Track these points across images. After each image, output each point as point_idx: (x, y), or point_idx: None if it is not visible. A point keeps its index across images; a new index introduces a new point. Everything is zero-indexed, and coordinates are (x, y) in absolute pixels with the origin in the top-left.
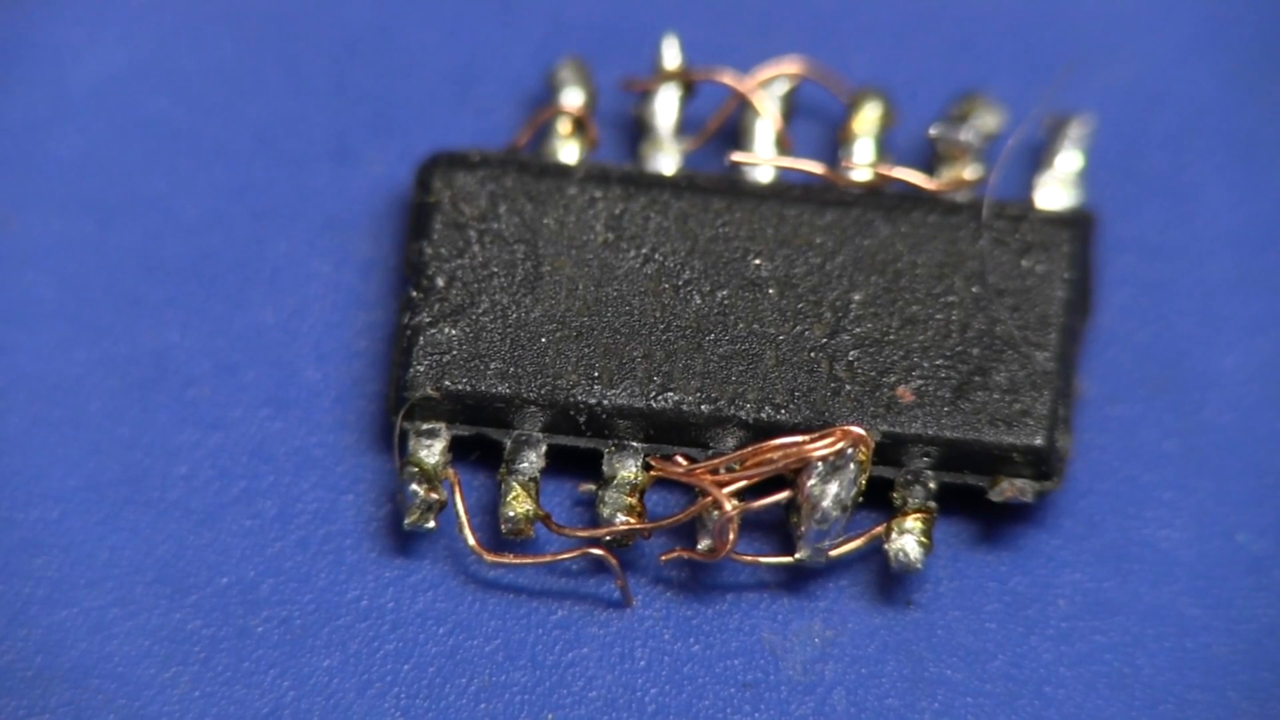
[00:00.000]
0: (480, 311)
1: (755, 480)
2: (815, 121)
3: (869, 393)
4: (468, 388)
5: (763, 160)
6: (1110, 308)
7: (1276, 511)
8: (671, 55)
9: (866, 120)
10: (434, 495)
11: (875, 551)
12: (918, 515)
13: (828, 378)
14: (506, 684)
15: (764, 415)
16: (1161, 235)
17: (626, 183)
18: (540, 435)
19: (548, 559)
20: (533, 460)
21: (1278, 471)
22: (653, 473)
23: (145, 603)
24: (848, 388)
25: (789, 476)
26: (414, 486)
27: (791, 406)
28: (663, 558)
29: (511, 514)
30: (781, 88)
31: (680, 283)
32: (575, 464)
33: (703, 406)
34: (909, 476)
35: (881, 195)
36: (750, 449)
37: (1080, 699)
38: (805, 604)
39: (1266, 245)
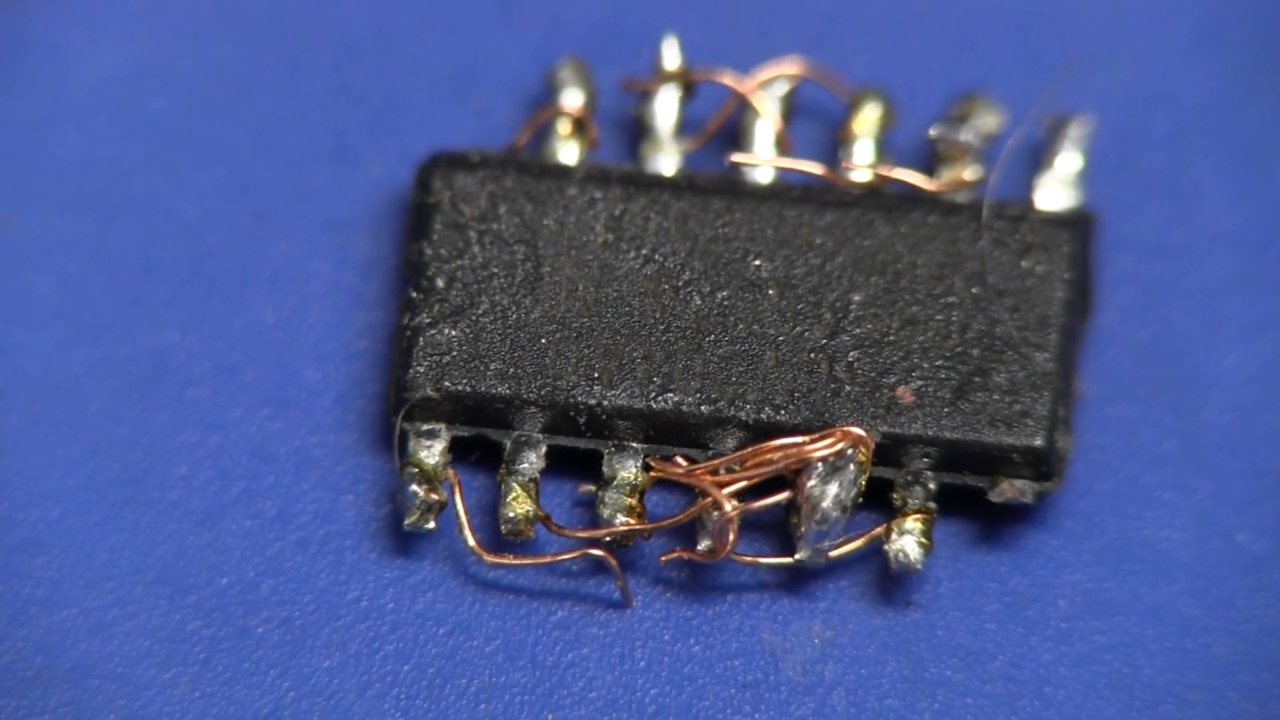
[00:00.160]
0: (480, 312)
1: (755, 481)
2: (815, 122)
3: (869, 393)
4: (468, 388)
5: (763, 161)
6: (1110, 308)
7: (1276, 511)
8: (671, 55)
9: (866, 120)
10: (434, 496)
11: (875, 552)
12: (918, 516)
13: (828, 378)
14: (506, 684)
15: (764, 416)
16: (1161, 235)
17: (626, 183)
18: (540, 436)
19: (548, 560)
20: (533, 461)
21: (1278, 471)
22: (653, 473)
23: (145, 603)
24: (848, 388)
25: (789, 477)
26: (414, 487)
27: (791, 407)
28: (663, 558)
29: (511, 515)
30: (781, 88)
31: (680, 283)
32: (575, 465)
33: (703, 407)
34: (909, 477)
35: (881, 196)
36: (750, 450)
37: (1080, 699)
38: (805, 605)
39: (1266, 245)
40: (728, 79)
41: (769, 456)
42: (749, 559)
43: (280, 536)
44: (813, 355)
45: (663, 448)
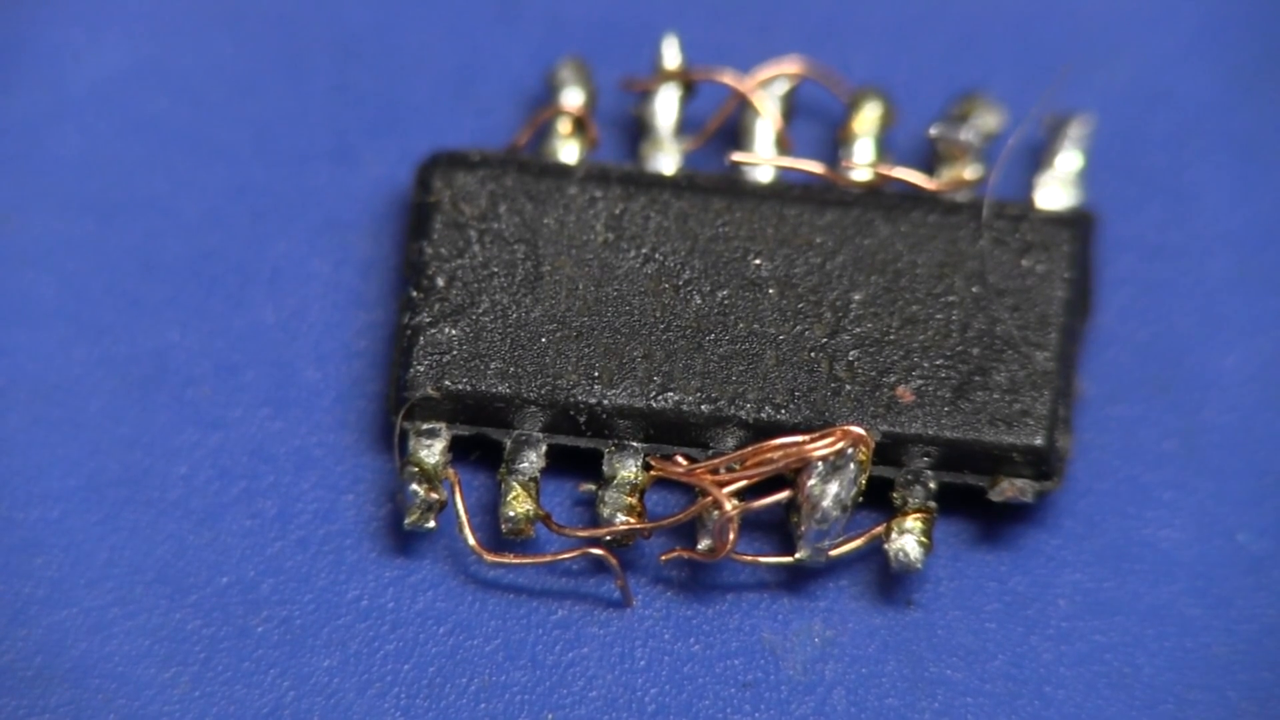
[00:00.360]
0: (480, 311)
1: (755, 480)
2: (815, 121)
3: (869, 393)
4: (468, 388)
5: (763, 160)
6: (1110, 308)
7: (1276, 511)
8: (671, 55)
9: (866, 120)
10: (434, 495)
11: (875, 551)
12: (918, 515)
13: (828, 378)
14: (506, 684)
15: (764, 415)
16: (1161, 235)
17: (626, 183)
18: (540, 435)
19: (548, 559)
20: (533, 460)
21: (1278, 471)
22: (653, 473)
23: (145, 603)
24: (848, 388)
25: (789, 476)
26: (414, 486)
27: (791, 406)
28: (663, 558)
29: (512, 514)
30: (781, 88)
31: (680, 283)
32: (575, 464)
33: (703, 406)
34: (909, 476)
35: (881, 195)
36: (750, 449)
37: (1080, 699)
38: (805, 604)
39: (1266, 245)
40: (728, 78)
41: (769, 455)
42: (749, 558)
43: (280, 536)
44: (813, 354)
45: (663, 447)
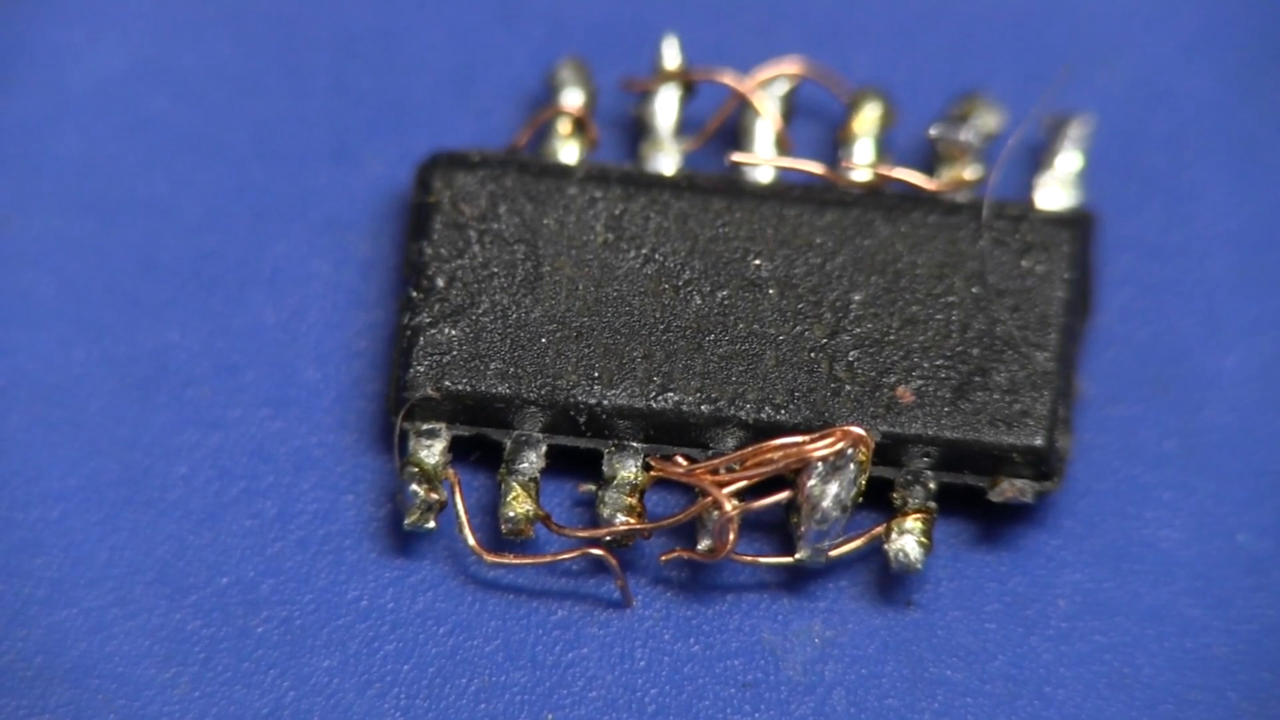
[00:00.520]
0: (480, 312)
1: (755, 480)
2: (815, 121)
3: (869, 393)
4: (468, 388)
5: (763, 160)
6: (1110, 308)
7: (1276, 511)
8: (671, 55)
9: (866, 120)
10: (434, 495)
11: (875, 552)
12: (918, 515)
13: (828, 378)
14: (506, 684)
15: (764, 415)
16: (1161, 235)
17: (626, 183)
18: (540, 435)
19: (548, 559)
20: (533, 460)
21: (1278, 471)
22: (653, 473)
23: (145, 603)
24: (848, 388)
25: (789, 477)
26: (414, 487)
27: (791, 407)
28: (663, 558)
29: (511, 514)
30: (781, 88)
31: (680, 283)
32: (575, 464)
33: (703, 407)
34: (909, 477)
35: (881, 195)
36: (750, 449)
37: (1080, 699)
38: (805, 604)
39: (1266, 245)
40: (728, 79)
41: (769, 456)
42: (749, 559)
43: (280, 536)
44: (813, 355)
45: (663, 447)
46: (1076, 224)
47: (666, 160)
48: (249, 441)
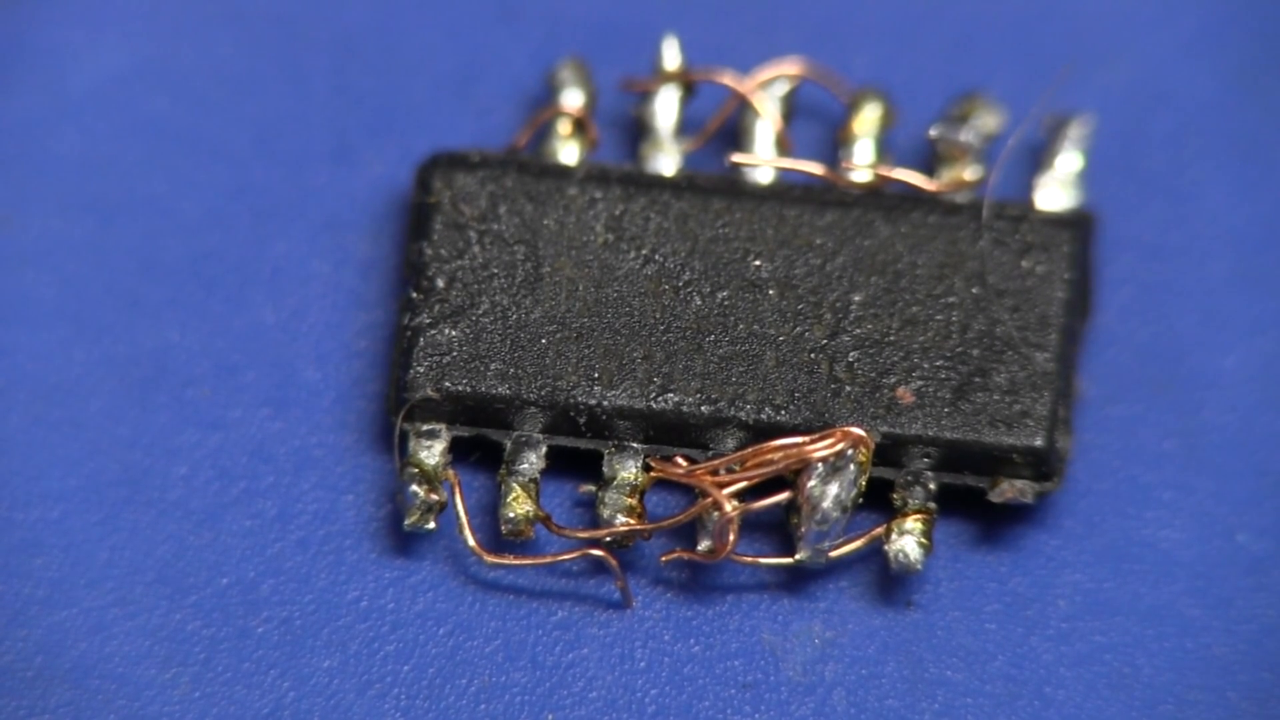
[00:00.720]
0: (480, 312)
1: (755, 481)
2: (815, 122)
3: (869, 394)
4: (468, 389)
5: (763, 161)
6: (1110, 308)
7: (1276, 511)
8: (671, 55)
9: (866, 121)
10: (434, 496)
11: (875, 552)
12: (918, 516)
13: (828, 379)
14: (506, 685)
15: (764, 416)
16: (1161, 235)
17: (626, 183)
18: (540, 436)
19: (548, 560)
20: (533, 461)
21: (1278, 471)
22: (653, 474)
23: (145, 603)
24: (848, 389)
25: (789, 477)
26: (414, 487)
27: (791, 407)
28: (663, 559)
29: (511, 515)
30: (781, 88)
31: (680, 283)
32: (575, 465)
33: (703, 407)
34: (909, 477)
35: (881, 196)
36: (750, 450)
37: (1080, 699)
38: (805, 605)
39: (1266, 245)
40: (728, 79)
41: (769, 457)
42: (749, 559)
43: (280, 536)
44: (813, 355)
45: (663, 448)
46: (1076, 224)
47: (666, 160)
48: (249, 441)
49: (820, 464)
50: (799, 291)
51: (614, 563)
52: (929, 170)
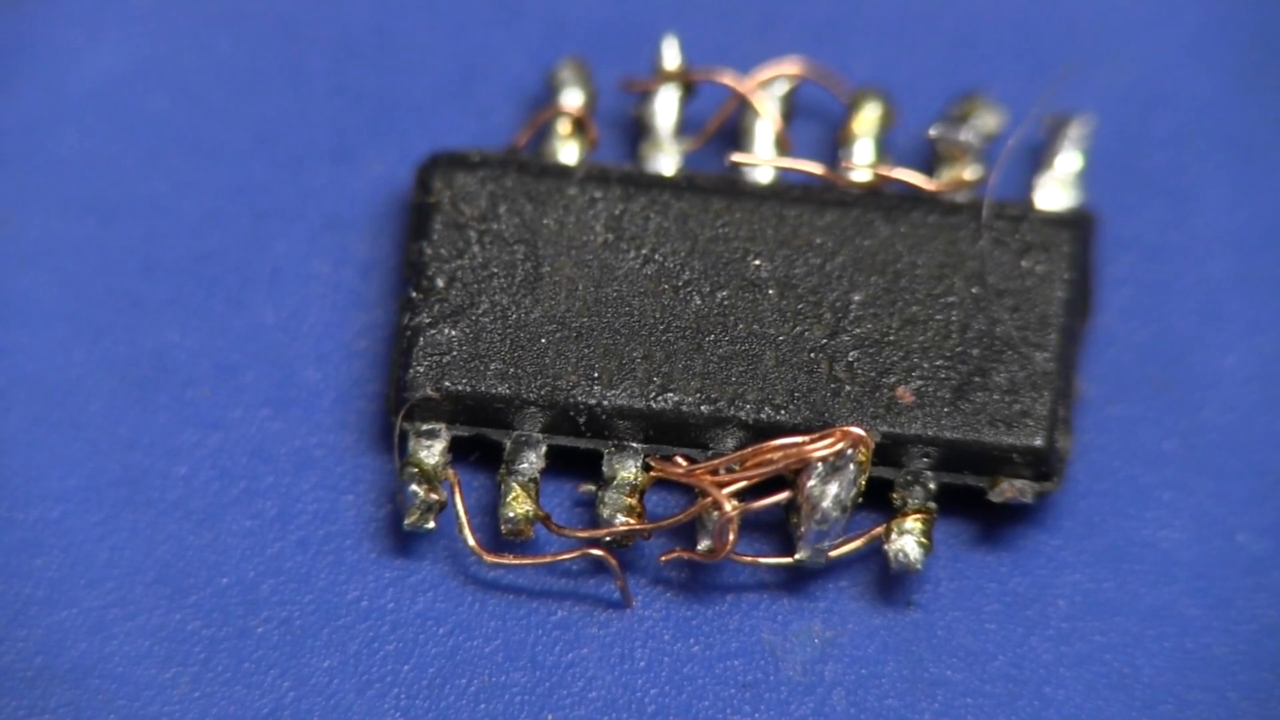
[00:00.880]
0: (480, 312)
1: (755, 481)
2: (815, 122)
3: (869, 393)
4: (468, 388)
5: (763, 161)
6: (1110, 308)
7: (1276, 511)
8: (671, 55)
9: (866, 120)
10: (434, 496)
11: (875, 552)
12: (917, 516)
13: (827, 378)
14: (506, 684)
15: (764, 416)
16: (1161, 235)
17: (626, 183)
18: (540, 436)
19: (548, 559)
20: (532, 461)
21: (1278, 471)
22: (652, 473)
23: (145, 603)
24: (848, 388)
25: (789, 477)
26: (414, 487)
27: (791, 407)
28: (663, 558)
29: (511, 514)
30: (781, 88)
31: (680, 283)
32: (575, 465)
33: (702, 407)
34: (909, 477)
35: (881, 195)
36: (750, 449)
37: (1080, 699)
38: (805, 604)
39: (1266, 245)
40: (728, 79)
41: (769, 456)
42: (749, 559)
43: (280, 536)
44: (813, 355)
45: (663, 447)
46: (1076, 224)
47: (666, 160)
48: (249, 441)
49: (820, 464)
50: (799, 291)
51: (614, 562)
52: (929, 170)
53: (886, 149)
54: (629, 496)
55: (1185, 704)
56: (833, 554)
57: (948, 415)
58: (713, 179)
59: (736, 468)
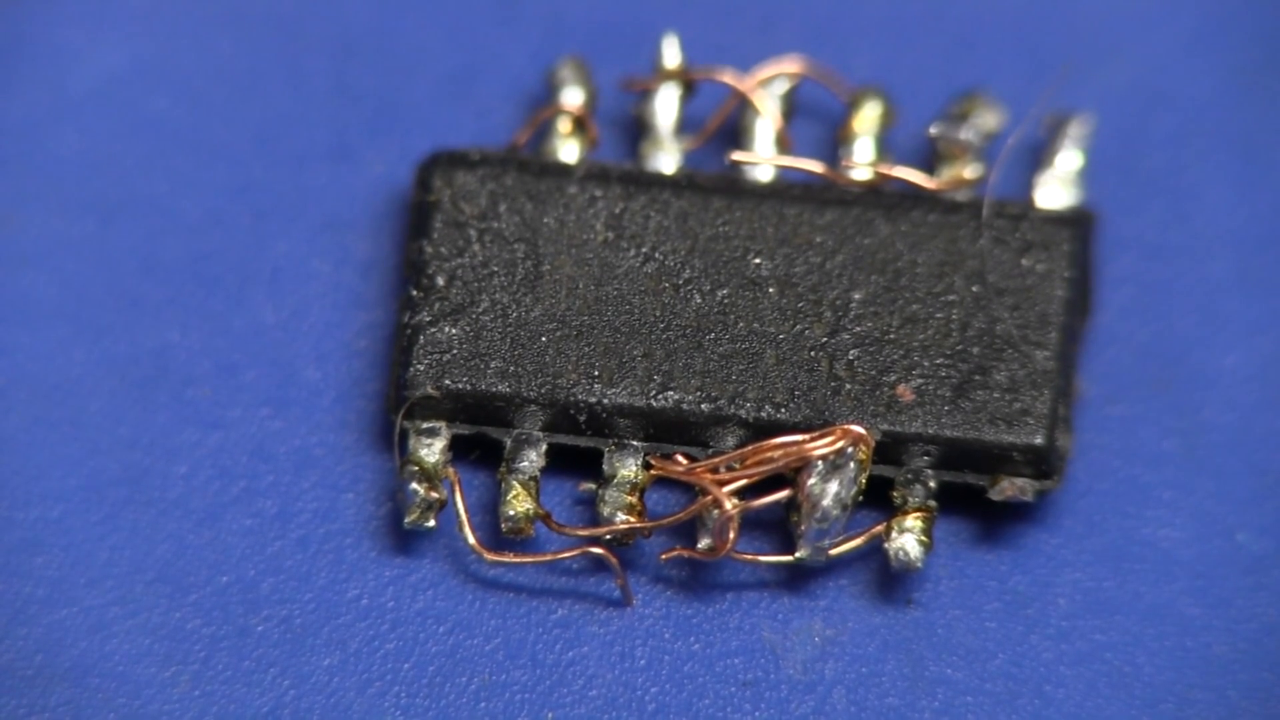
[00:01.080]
0: (480, 310)
1: (755, 479)
2: (815, 121)
3: (869, 392)
4: (468, 387)
5: (763, 159)
6: (1110, 307)
7: (1276, 511)
8: (671, 55)
9: (866, 119)
10: (434, 494)
11: (875, 550)
12: (918, 514)
13: (828, 377)
14: (506, 683)
15: (764, 414)
16: (1161, 235)
17: (626, 182)
18: (540, 434)
19: (548, 558)
20: (533, 459)
21: (1278, 471)
22: (653, 471)
23: (145, 602)
24: (848, 387)
25: (789, 475)
26: (414, 485)
27: (792, 405)
28: (663, 556)
29: (512, 513)
30: (781, 87)
31: (680, 282)
32: (575, 463)
33: (703, 405)
34: (909, 475)
35: (881, 194)
36: (750, 448)
37: (1080, 698)
38: (805, 603)
39: (1266, 245)
40: (728, 78)
41: (769, 454)
42: (749, 557)
43: (280, 535)
44: (813, 353)
45: (663, 446)
46: (1077, 223)
47: (666, 159)
48: (249, 441)
49: (820, 462)
50: (799, 289)
51: (614, 561)
52: (929, 169)
53: (887, 148)
54: (629, 495)
55: (1185, 703)
56: (833, 552)
57: (948, 413)
58: (713, 178)
59: (737, 466)
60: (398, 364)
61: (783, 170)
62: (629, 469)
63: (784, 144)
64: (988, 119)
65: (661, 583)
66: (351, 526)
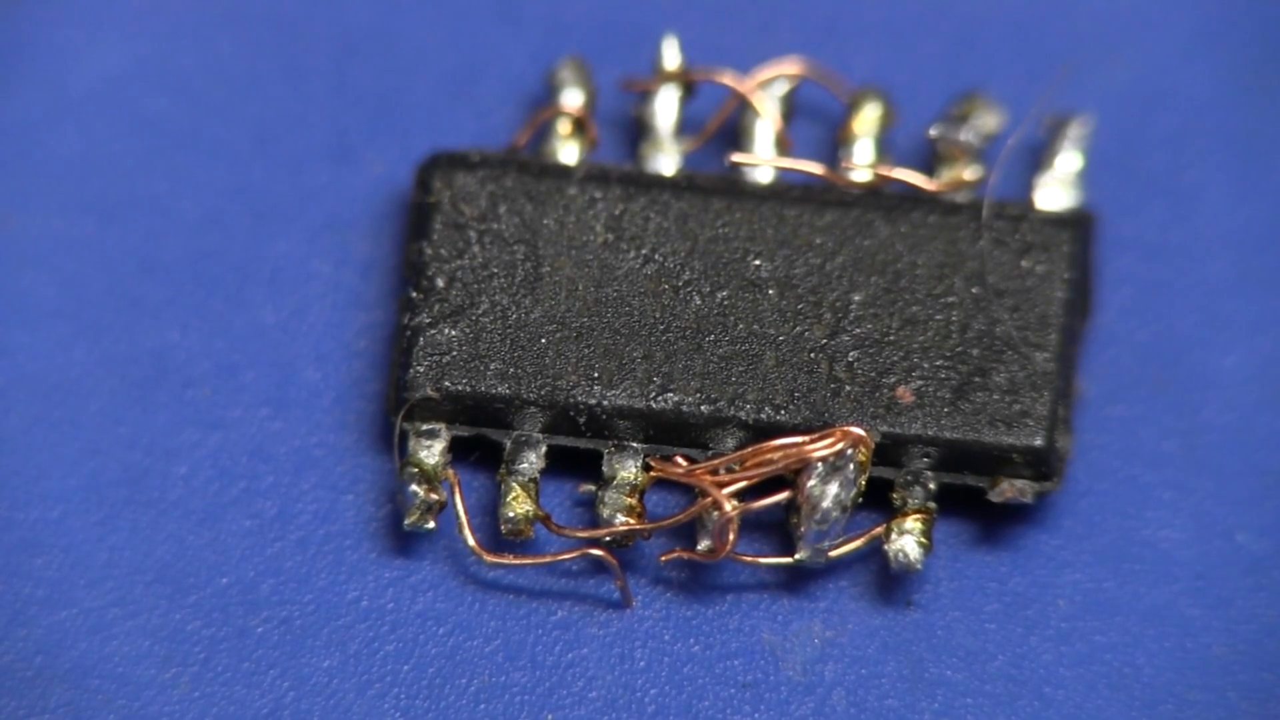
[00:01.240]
0: (480, 312)
1: (755, 481)
2: (815, 122)
3: (869, 393)
4: (467, 388)
5: (762, 161)
6: (1110, 308)
7: (1276, 511)
8: (671, 55)
9: (866, 120)
10: (434, 496)
11: (875, 552)
12: (917, 516)
13: (827, 378)
14: (506, 684)
15: (764, 416)
16: (1161, 235)
17: (626, 183)
18: (540, 436)
19: (547, 559)
20: (532, 461)
21: (1278, 471)
22: (652, 473)
23: (145, 603)
24: (848, 388)
25: (789, 477)
26: (414, 487)
27: (791, 407)
28: (663, 558)
29: (511, 514)
30: (781, 88)
31: (680, 283)
32: (575, 464)
33: (702, 407)
34: (909, 477)
35: (881, 195)
36: (750, 449)
37: (1080, 699)
38: (805, 604)
39: (1266, 245)
40: (728, 79)
41: (769, 456)
42: (749, 559)
43: (280, 536)
44: (813, 355)
45: (663, 447)
46: (1076, 224)
47: (666, 160)
48: (249, 441)
49: (820, 463)
50: (799, 291)
51: (614, 562)
52: (929, 170)
53: (886, 149)
54: (629, 496)
55: (1185, 704)
56: (833, 554)
57: (948, 415)
58: (713, 179)
59: (736, 468)
60: (397, 365)
61: (782, 172)
62: (629, 471)
63: (784, 145)
64: (987, 120)
65: (661, 584)
66: (351, 528)
